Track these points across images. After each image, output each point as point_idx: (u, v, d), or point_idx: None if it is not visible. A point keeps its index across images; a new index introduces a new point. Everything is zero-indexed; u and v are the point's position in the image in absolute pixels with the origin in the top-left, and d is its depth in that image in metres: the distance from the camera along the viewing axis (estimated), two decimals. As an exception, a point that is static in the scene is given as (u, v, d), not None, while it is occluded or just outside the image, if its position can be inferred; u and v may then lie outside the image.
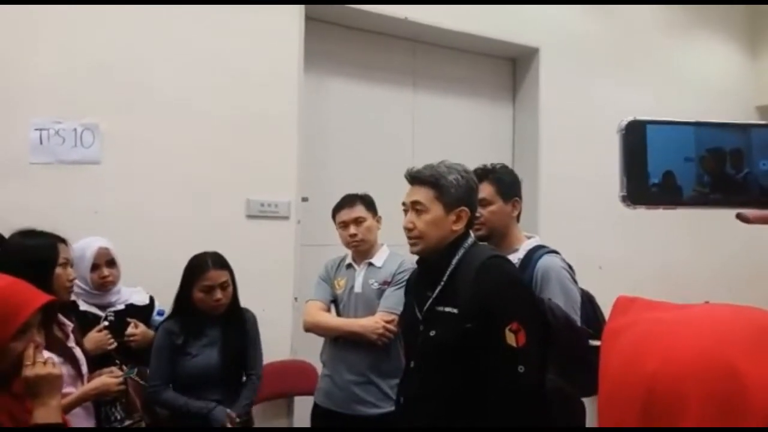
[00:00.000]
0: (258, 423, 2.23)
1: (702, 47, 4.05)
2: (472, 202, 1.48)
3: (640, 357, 0.41)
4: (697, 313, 0.45)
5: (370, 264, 2.11)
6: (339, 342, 2.06)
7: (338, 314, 2.14)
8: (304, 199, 2.79)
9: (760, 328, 0.40)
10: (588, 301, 1.68)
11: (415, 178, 1.49)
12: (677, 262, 3.68)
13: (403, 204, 1.52)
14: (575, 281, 1.62)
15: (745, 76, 4.25)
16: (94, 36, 2.35)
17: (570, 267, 1.65)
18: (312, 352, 2.35)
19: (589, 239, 3.02)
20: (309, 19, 2.77)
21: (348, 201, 2.13)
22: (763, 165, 0.47)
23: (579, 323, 1.51)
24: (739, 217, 0.49)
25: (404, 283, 1.84)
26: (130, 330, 1.96)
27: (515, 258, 1.67)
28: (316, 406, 2.11)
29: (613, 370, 0.44)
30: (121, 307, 2.03)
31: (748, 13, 4.26)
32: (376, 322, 1.98)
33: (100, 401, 1.76)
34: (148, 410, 1.91)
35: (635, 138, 0.47)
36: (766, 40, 4.24)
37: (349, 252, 2.17)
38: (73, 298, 1.87)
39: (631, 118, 0.48)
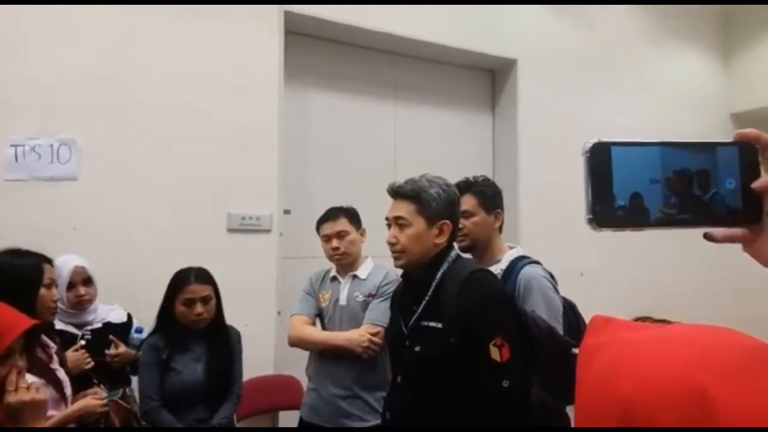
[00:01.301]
0: (243, 439, 2.20)
1: (676, 57, 4.16)
2: (454, 215, 1.49)
3: (616, 379, 0.42)
4: (672, 334, 0.45)
5: (355, 276, 2.11)
6: (324, 356, 2.05)
7: (323, 328, 2.13)
8: (287, 212, 2.78)
9: (734, 352, 0.41)
10: (570, 310, 1.70)
11: (396, 192, 1.50)
12: (658, 270, 3.74)
13: (386, 219, 1.53)
14: (557, 290, 1.64)
15: (718, 84, 4.37)
16: (70, 51, 2.32)
17: (552, 276, 1.67)
18: (296, 366, 2.33)
19: (570, 248, 3.06)
20: (289, 32, 2.77)
21: (331, 214, 2.13)
22: (729, 184, 0.48)
23: (562, 332, 1.53)
24: (706, 236, 0.49)
25: (389, 295, 1.84)
26: (112, 351, 1.93)
27: (498, 268, 1.68)
28: (301, 421, 2.09)
29: (588, 389, 0.44)
30: (98, 325, 2.00)
31: (720, 21, 4.39)
32: (361, 335, 1.97)
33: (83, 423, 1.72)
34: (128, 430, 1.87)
35: (600, 160, 0.47)
36: (738, 48, 4.37)
37: (333, 265, 2.16)
38: (50, 317, 1.83)
39: (595, 140, 0.47)
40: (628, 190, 0.46)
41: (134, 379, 2.00)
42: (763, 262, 0.48)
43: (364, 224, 2.17)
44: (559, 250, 2.91)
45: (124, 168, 2.37)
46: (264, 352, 2.54)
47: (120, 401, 1.85)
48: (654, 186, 0.47)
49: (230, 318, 2.10)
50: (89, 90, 2.33)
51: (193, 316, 1.92)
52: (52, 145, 2.28)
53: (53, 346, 1.71)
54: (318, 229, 2.15)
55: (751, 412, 0.35)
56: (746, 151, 0.48)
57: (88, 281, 1.97)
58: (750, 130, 0.48)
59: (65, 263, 1.93)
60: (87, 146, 2.31)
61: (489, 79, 3.60)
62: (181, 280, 1.94)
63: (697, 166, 0.48)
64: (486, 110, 3.58)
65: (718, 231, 0.49)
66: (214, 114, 2.54)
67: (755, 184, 0.47)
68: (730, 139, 0.49)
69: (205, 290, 1.93)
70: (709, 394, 0.37)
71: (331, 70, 3.07)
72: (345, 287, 2.09)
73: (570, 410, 1.51)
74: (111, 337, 1.95)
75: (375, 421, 1.87)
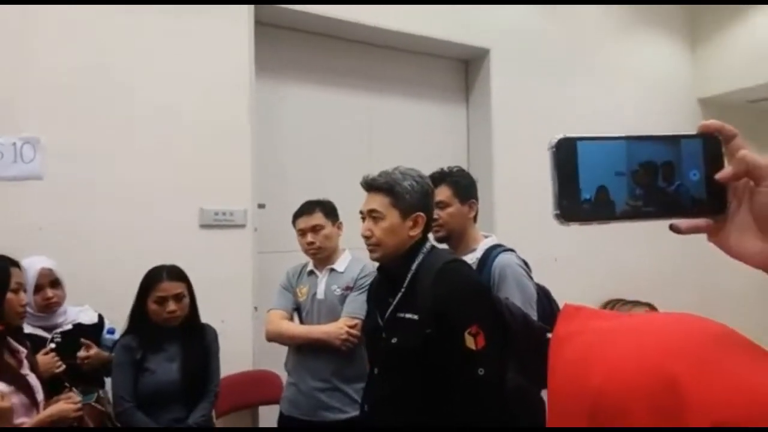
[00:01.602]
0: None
1: (646, 44, 4.23)
2: (427, 207, 1.49)
3: (587, 369, 0.42)
4: (640, 324, 0.46)
5: (332, 270, 2.10)
6: (303, 349, 2.04)
7: (301, 322, 2.12)
8: (261, 206, 2.75)
9: (701, 339, 0.42)
10: (544, 296, 1.73)
11: (370, 185, 1.49)
12: (629, 254, 3.82)
13: (361, 212, 1.52)
14: (531, 277, 1.66)
15: (686, 70, 4.46)
16: (31, 47, 2.25)
17: (525, 264, 1.70)
18: (275, 361, 2.32)
19: (545, 235, 3.08)
20: (259, 23, 2.72)
21: (306, 208, 2.11)
22: (693, 176, 0.48)
23: (536, 318, 1.55)
24: (672, 228, 0.50)
25: (367, 288, 1.84)
26: (82, 353, 1.88)
27: (473, 258, 1.70)
28: (281, 415, 2.09)
29: (560, 378, 0.45)
30: (68, 327, 1.95)
31: (687, 9, 4.47)
32: (339, 327, 1.97)
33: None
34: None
35: (566, 155, 0.47)
36: (705, 35, 4.46)
37: (310, 259, 2.15)
38: (17, 320, 1.78)
39: (561, 136, 0.48)
40: (593, 183, 0.47)
41: (108, 381, 1.96)
42: (727, 252, 0.48)
43: (341, 216, 2.16)
44: (533, 238, 2.95)
45: (90, 167, 2.31)
46: (242, 348, 2.52)
47: (94, 404, 1.82)
48: (619, 179, 0.47)
49: (206, 315, 2.07)
50: (53, 88, 2.26)
51: (165, 314, 1.89)
52: (15, 144, 2.19)
53: (23, 351, 1.67)
54: (294, 223, 2.14)
55: (721, 399, 0.36)
56: (710, 142, 0.49)
57: (55, 283, 1.92)
58: (713, 122, 0.48)
59: (31, 265, 1.88)
60: (51, 145, 2.24)
61: (462, 70, 3.61)
62: (152, 278, 1.91)
63: (662, 158, 0.48)
64: (460, 101, 3.59)
65: (683, 222, 0.49)
66: (184, 109, 2.49)
67: (719, 175, 0.48)
68: (693, 131, 0.49)
69: (177, 287, 1.91)
70: (679, 382, 0.37)
71: (303, 61, 3.03)
72: (322, 281, 2.09)
73: (545, 394, 1.54)
74: (82, 339, 1.91)
75: (355, 412, 1.88)
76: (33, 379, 1.64)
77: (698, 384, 0.37)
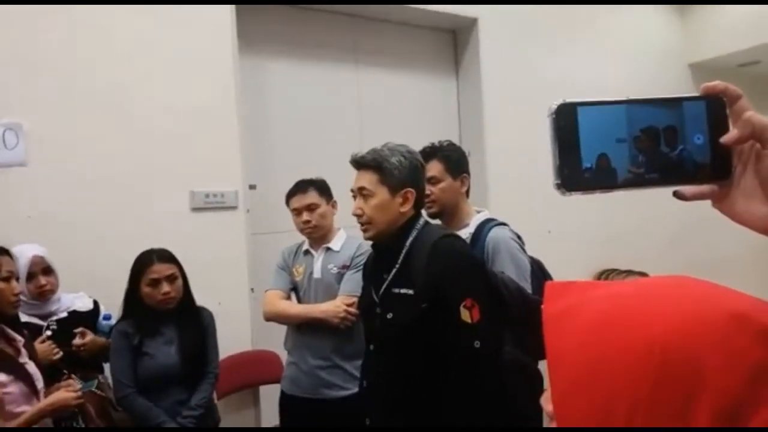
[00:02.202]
0: (225, 415, 2.21)
1: (636, 10, 4.17)
2: (417, 183, 1.48)
3: (632, 327, 0.38)
4: (663, 282, 0.42)
5: (328, 249, 2.10)
6: (302, 328, 2.05)
7: (299, 301, 2.13)
8: (252, 187, 2.72)
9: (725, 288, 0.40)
10: (538, 269, 1.73)
11: (359, 163, 1.48)
12: (621, 223, 3.84)
13: (351, 190, 1.51)
14: (524, 250, 1.67)
15: (676, 35, 4.42)
16: (11, 31, 2.18)
17: (519, 237, 1.70)
18: (274, 341, 2.33)
19: (538, 206, 3.09)
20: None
21: (300, 187, 2.10)
22: (697, 139, 0.46)
23: (530, 291, 1.56)
24: (676, 194, 0.48)
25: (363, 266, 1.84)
26: (77, 341, 1.89)
27: (466, 232, 1.69)
28: (282, 394, 2.11)
29: (581, 348, 0.40)
30: (64, 314, 1.95)
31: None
32: (337, 306, 1.97)
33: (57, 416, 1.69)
34: (104, 417, 1.85)
35: (566, 122, 0.45)
36: (694, -1, 4.41)
37: (305, 238, 2.14)
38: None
39: (561, 101, 0.45)
40: (595, 151, 0.45)
41: (107, 367, 1.97)
42: (732, 217, 0.47)
43: (335, 195, 2.14)
44: (527, 210, 2.96)
45: (77, 152, 2.27)
46: (240, 330, 2.53)
47: (95, 390, 1.82)
48: (621, 146, 0.46)
49: (203, 297, 2.07)
50: (34, 74, 2.21)
51: (160, 296, 1.89)
52: (-4, 131, 2.16)
53: (20, 340, 1.66)
54: (287, 202, 2.12)
55: None
56: (714, 104, 0.47)
57: (48, 270, 1.91)
58: (717, 83, 0.46)
59: (22, 253, 1.86)
60: (36, 131, 2.20)
61: (451, 40, 3.55)
62: (143, 261, 1.91)
63: (664, 122, 0.46)
64: (449, 72, 3.54)
65: (687, 188, 0.48)
66: (167, 91, 2.44)
67: (724, 139, 0.46)
68: (694, 93, 0.47)
69: (169, 269, 1.91)
70: (748, 316, 0.35)
71: (288, 36, 2.96)
72: (318, 260, 2.08)
73: (542, 366, 1.56)
74: (75, 329, 1.90)
75: (356, 389, 1.90)
76: (32, 368, 1.64)
77: (764, 314, 0.35)
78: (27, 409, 1.56)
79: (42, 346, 1.82)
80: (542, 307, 0.45)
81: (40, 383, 1.64)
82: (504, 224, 1.70)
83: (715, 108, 0.47)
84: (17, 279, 1.70)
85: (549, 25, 3.64)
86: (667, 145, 0.46)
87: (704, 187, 0.47)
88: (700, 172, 0.47)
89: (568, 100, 0.46)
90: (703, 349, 0.35)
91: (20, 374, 1.59)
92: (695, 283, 0.42)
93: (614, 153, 0.46)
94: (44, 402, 1.60)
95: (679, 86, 3.98)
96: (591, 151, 0.45)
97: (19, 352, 1.64)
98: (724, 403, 0.34)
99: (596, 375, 0.38)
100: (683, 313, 0.37)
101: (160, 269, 1.89)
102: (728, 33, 4.19)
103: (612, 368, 0.37)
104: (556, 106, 0.46)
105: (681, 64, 4.42)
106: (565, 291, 0.46)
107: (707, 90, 0.47)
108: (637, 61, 4.05)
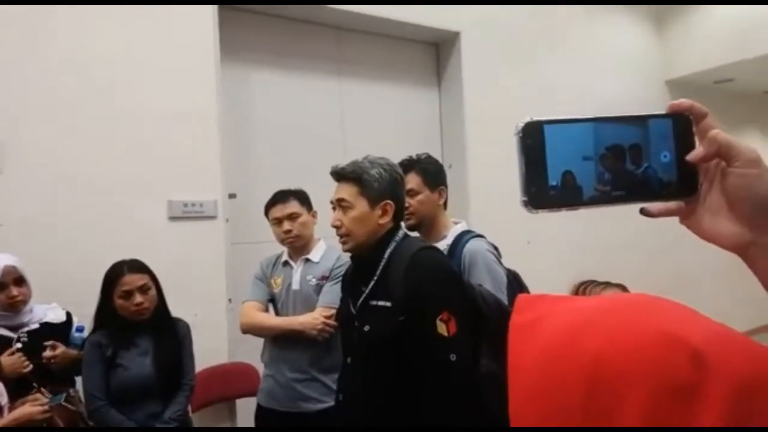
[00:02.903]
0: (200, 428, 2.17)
1: (614, 27, 4.27)
2: (397, 195, 1.49)
3: (576, 345, 0.39)
4: (623, 299, 0.44)
5: (307, 260, 2.08)
6: (279, 341, 2.03)
7: (276, 313, 2.11)
8: (232, 196, 2.70)
9: (690, 310, 0.41)
10: (514, 280, 1.75)
11: (339, 175, 1.48)
12: (603, 237, 3.89)
13: (331, 202, 1.51)
14: (500, 262, 1.68)
15: (653, 52, 4.53)
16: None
17: (496, 249, 1.71)
18: (251, 353, 2.30)
19: (518, 217, 3.09)
20: (223, 6, 2.65)
21: (281, 197, 2.08)
22: (663, 157, 0.47)
23: (507, 303, 1.57)
24: (642, 212, 0.49)
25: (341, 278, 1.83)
26: (47, 353, 1.84)
27: (444, 244, 1.70)
28: (259, 407, 2.08)
29: (534, 362, 0.42)
30: (35, 326, 1.91)
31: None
32: (315, 318, 1.96)
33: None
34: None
35: (533, 140, 0.45)
36: (672, 16, 4.52)
37: (284, 249, 2.13)
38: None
39: (527, 119, 0.46)
40: (560, 169, 0.45)
41: (79, 380, 1.92)
42: (699, 234, 0.47)
43: (314, 205, 2.14)
44: (506, 221, 2.97)
45: (51, 160, 2.23)
46: (217, 341, 2.50)
47: (64, 404, 1.78)
48: (587, 163, 0.46)
49: (179, 308, 2.04)
50: (11, 79, 2.18)
51: (133, 308, 1.86)
52: (-31, 138, 2.11)
53: (-17, 353, 1.62)
54: (267, 212, 2.10)
55: (739, 362, 0.34)
56: (680, 122, 0.47)
57: (20, 281, 1.87)
58: (683, 101, 0.47)
59: (-7, 263, 1.82)
60: (9, 139, 2.16)
61: (434, 53, 3.58)
62: (114, 273, 1.89)
63: (629, 140, 0.47)
64: (432, 84, 3.57)
65: (654, 206, 0.48)
66: (146, 98, 2.42)
67: (689, 156, 0.46)
68: (663, 111, 0.48)
69: (140, 279, 1.88)
70: (684, 338, 0.35)
71: (271, 46, 2.96)
72: (297, 271, 2.07)
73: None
74: (45, 342, 1.86)
75: (333, 402, 1.88)
76: (-5, 383, 1.60)
77: (706, 342, 0.36)
78: (-11, 424, 1.51)
79: (11, 359, 1.77)
80: (511, 317, 0.45)
81: (3, 398, 1.60)
82: (481, 236, 1.71)
83: (682, 126, 0.47)
84: None
85: (530, 39, 3.71)
86: (633, 163, 0.47)
87: (671, 205, 0.48)
88: (667, 190, 0.47)
89: (535, 118, 0.46)
90: (632, 367, 0.36)
91: None
92: (652, 302, 0.42)
93: (580, 171, 0.46)
94: (8, 417, 1.55)
95: (657, 102, 4.07)
96: (557, 169, 0.45)
97: (-18, 366, 1.60)
98: (649, 420, 0.34)
99: (544, 384, 0.39)
100: (623, 330, 0.38)
101: (132, 280, 1.87)
102: (704, 50, 4.31)
103: (556, 379, 0.39)
104: (522, 125, 0.46)
105: (658, 80, 4.52)
106: (535, 304, 0.47)
107: (674, 108, 0.47)
108: (615, 77, 4.15)
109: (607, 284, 3.87)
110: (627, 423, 0.35)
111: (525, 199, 0.45)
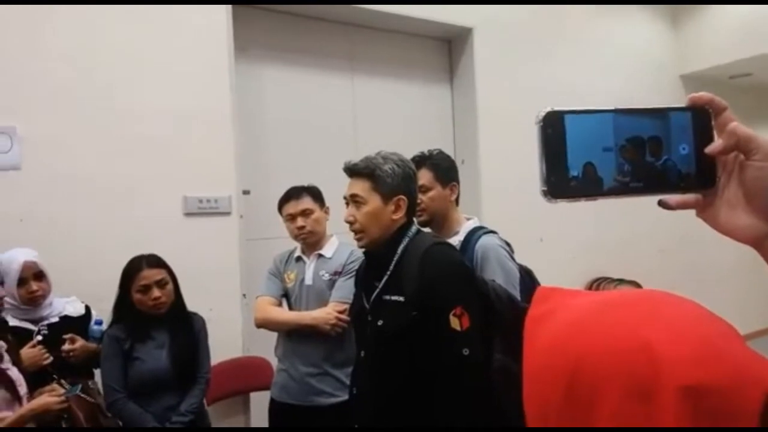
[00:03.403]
0: (215, 421, 2.21)
1: (628, 22, 4.22)
2: (410, 190, 1.49)
3: (566, 343, 0.43)
4: (615, 298, 0.46)
5: (320, 255, 2.10)
6: (293, 335, 2.05)
7: (290, 308, 2.13)
8: (246, 192, 2.73)
9: (674, 309, 0.43)
10: (527, 276, 1.74)
11: (352, 171, 1.49)
12: (613, 231, 3.87)
13: (344, 198, 1.52)
14: (513, 258, 1.68)
15: (668, 47, 4.47)
16: (4, 35, 2.19)
17: (508, 244, 1.71)
18: (265, 347, 2.33)
19: (530, 214, 3.11)
20: (237, 4, 2.67)
21: (294, 193, 2.10)
22: (682, 150, 0.47)
23: (519, 299, 1.57)
24: (660, 204, 0.49)
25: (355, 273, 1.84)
26: (67, 347, 1.88)
27: (456, 240, 1.70)
28: (272, 401, 2.10)
29: (537, 356, 0.45)
30: (55, 319, 1.95)
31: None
32: (328, 313, 1.97)
33: (41, 421, 1.68)
34: (93, 423, 1.84)
35: (554, 129, 0.46)
36: (687, 10, 4.46)
37: (298, 245, 2.15)
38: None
39: (548, 109, 0.46)
40: (581, 159, 0.46)
41: (98, 372, 1.96)
42: (716, 227, 0.48)
43: (328, 202, 2.15)
44: (519, 218, 2.97)
45: (70, 156, 2.27)
46: (231, 336, 2.53)
47: (83, 395, 1.81)
48: (607, 154, 0.46)
49: (195, 303, 2.07)
50: (28, 78, 2.21)
51: (150, 302, 1.89)
52: (-10, 135, 2.16)
53: (3, 345, 1.65)
54: (280, 208, 2.12)
55: (691, 359, 0.37)
56: (699, 115, 0.48)
57: (39, 276, 1.91)
58: (703, 94, 0.47)
59: (14, 258, 1.86)
60: (29, 135, 2.20)
61: (446, 49, 3.58)
62: (132, 267, 1.92)
63: (649, 132, 0.47)
64: (444, 81, 3.57)
65: (672, 198, 0.48)
66: (162, 96, 2.45)
67: (708, 149, 0.47)
68: (682, 104, 0.48)
69: (158, 274, 1.91)
70: (652, 346, 0.38)
71: (284, 43, 2.98)
72: (310, 266, 2.09)
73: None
74: (64, 335, 1.90)
75: (346, 396, 1.90)
76: (15, 373, 1.63)
77: (670, 345, 0.38)
78: (8, 415, 1.55)
79: (32, 351, 1.81)
80: (529, 308, 0.48)
81: (23, 389, 1.63)
82: (493, 232, 1.71)
83: (701, 119, 0.48)
84: (2, 283, 1.69)
85: (543, 35, 3.68)
86: (652, 155, 0.47)
87: (689, 197, 0.48)
88: (685, 182, 0.48)
89: (556, 108, 0.46)
90: (605, 372, 0.39)
91: (2, 380, 1.58)
92: (652, 301, 0.45)
93: (600, 162, 0.46)
94: (26, 407, 1.59)
95: (671, 97, 4.02)
96: (577, 160, 0.46)
97: (1, 357, 1.63)
98: (616, 420, 0.38)
99: (542, 375, 0.43)
100: (603, 333, 0.41)
101: (150, 275, 1.89)
102: (720, 45, 4.25)
103: (548, 373, 0.43)
104: (543, 114, 0.46)
105: (673, 76, 4.47)
106: (551, 296, 0.49)
107: (693, 101, 0.48)
108: (629, 71, 4.10)
109: (621, 281, 3.84)
110: (601, 420, 0.39)
111: (545, 188, 0.46)
